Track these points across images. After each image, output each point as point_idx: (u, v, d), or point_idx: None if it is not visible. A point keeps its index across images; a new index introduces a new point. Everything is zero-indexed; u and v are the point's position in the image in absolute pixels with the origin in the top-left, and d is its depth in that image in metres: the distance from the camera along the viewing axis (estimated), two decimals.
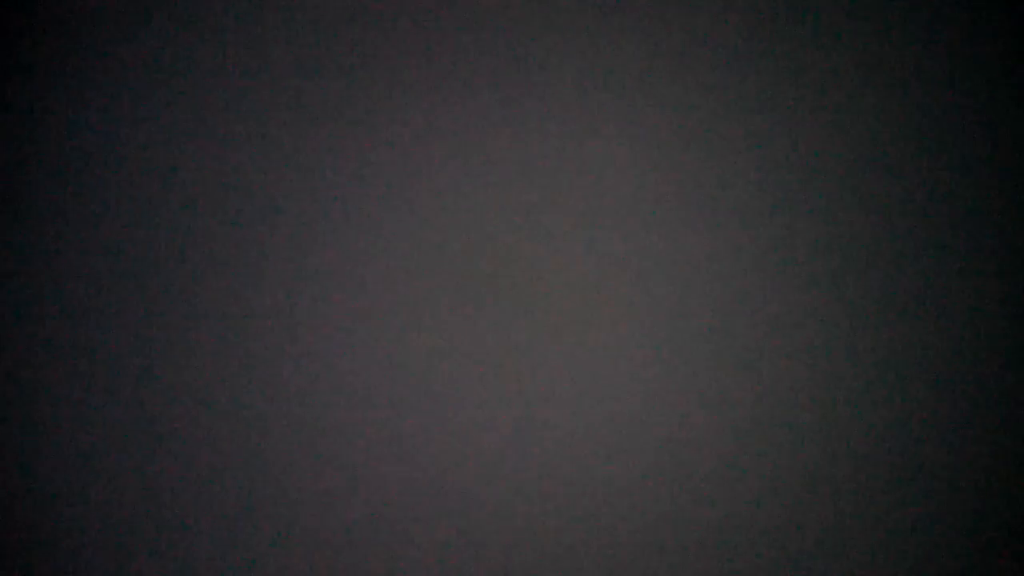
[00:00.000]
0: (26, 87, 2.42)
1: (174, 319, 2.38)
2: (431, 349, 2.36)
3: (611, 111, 2.38)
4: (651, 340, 2.35)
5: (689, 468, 2.34)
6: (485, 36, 2.39)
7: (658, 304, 2.36)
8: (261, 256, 2.38)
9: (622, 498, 2.34)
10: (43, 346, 2.38)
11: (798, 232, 2.36)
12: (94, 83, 2.42)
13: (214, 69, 2.41)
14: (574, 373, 2.35)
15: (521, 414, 2.35)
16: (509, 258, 2.37)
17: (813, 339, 2.34)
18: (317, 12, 2.41)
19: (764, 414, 2.34)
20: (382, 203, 2.38)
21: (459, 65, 2.39)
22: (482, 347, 2.36)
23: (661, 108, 2.38)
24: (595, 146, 2.38)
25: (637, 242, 2.37)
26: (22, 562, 2.36)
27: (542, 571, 2.34)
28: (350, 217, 2.38)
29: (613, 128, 2.38)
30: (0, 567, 2.36)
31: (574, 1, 2.39)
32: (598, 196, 2.37)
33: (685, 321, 2.35)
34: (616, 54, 2.39)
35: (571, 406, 2.35)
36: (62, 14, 2.42)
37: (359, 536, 2.35)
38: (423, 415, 2.36)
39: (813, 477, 2.33)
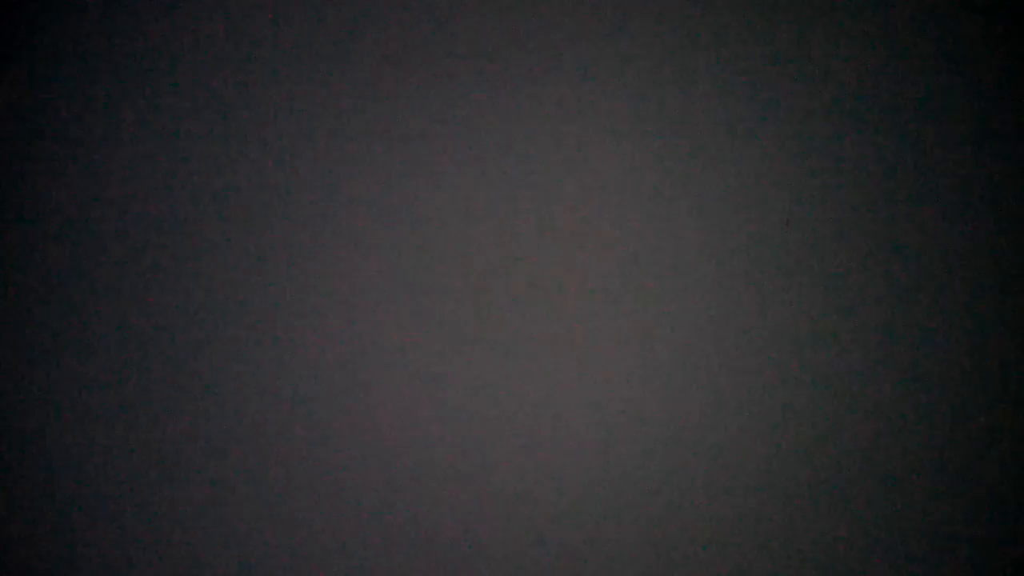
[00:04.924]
0: (26, 87, 2.42)
1: (175, 320, 2.38)
2: (432, 349, 2.36)
3: (612, 112, 2.38)
4: (652, 340, 2.35)
5: (690, 468, 2.34)
6: (485, 37, 2.40)
7: (659, 304, 2.36)
8: (261, 256, 2.38)
9: (624, 498, 2.34)
10: (43, 345, 2.38)
11: (799, 232, 2.36)
12: (94, 83, 2.42)
13: (215, 69, 2.41)
14: (575, 373, 2.35)
15: (521, 414, 2.35)
16: (509, 259, 2.37)
17: (814, 339, 2.35)
18: (317, 12, 2.41)
19: (765, 414, 2.34)
20: (383, 203, 2.38)
21: (460, 66, 2.40)
22: (482, 348, 2.36)
23: (661, 109, 2.38)
24: (596, 147, 2.38)
25: (638, 243, 2.37)
26: (22, 562, 2.36)
27: (544, 571, 2.34)
28: (350, 217, 2.38)
29: (614, 128, 2.38)
30: (0, 567, 2.36)
31: (575, 2, 2.40)
32: (599, 197, 2.37)
33: (687, 321, 2.35)
34: (616, 54, 2.39)
35: (571, 406, 2.35)
36: (62, 14, 2.43)
37: (359, 536, 2.35)
38: (424, 415, 2.36)
39: (813, 477, 2.33)
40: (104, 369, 2.38)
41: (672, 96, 2.38)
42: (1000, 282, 2.35)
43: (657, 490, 2.34)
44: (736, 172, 2.37)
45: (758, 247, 2.36)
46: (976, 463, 2.33)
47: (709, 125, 2.38)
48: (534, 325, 2.36)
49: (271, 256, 2.38)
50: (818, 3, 2.38)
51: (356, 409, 2.36)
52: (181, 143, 2.41)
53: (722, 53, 2.38)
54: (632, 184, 2.37)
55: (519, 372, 2.35)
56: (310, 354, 2.37)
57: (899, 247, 2.36)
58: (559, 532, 2.34)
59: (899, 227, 2.36)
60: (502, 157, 2.38)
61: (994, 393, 2.33)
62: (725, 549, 2.33)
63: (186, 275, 2.38)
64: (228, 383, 2.37)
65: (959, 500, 2.32)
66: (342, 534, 2.35)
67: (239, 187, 2.40)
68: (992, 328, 2.34)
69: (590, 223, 2.37)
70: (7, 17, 2.42)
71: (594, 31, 2.39)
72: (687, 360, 2.35)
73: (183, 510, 2.35)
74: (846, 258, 2.36)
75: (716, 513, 2.33)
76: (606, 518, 2.34)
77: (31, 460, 2.37)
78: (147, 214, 2.40)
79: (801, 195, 2.36)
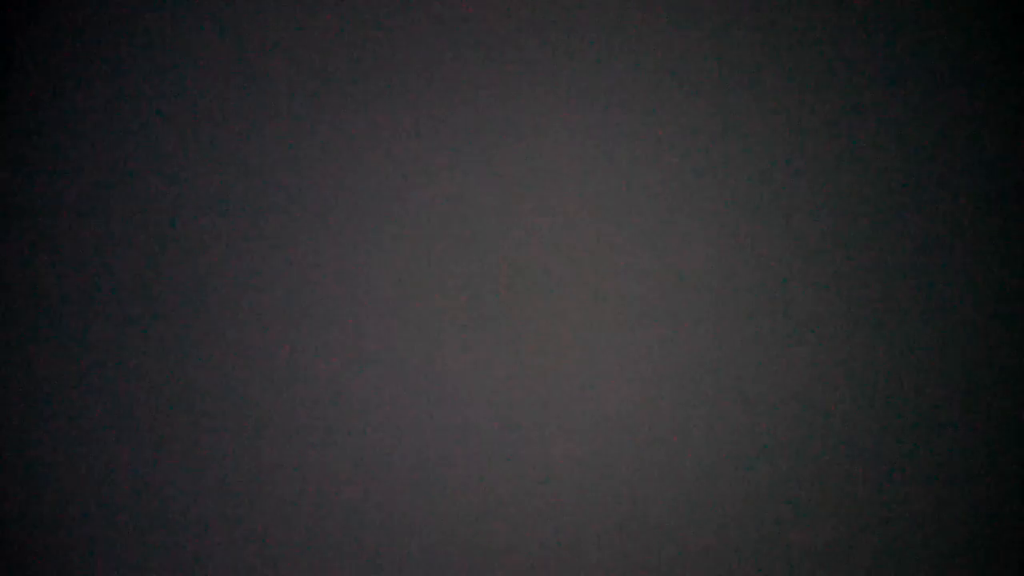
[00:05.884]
0: (26, 87, 2.42)
1: (177, 323, 2.38)
2: (433, 351, 2.36)
3: (615, 114, 2.38)
4: (654, 343, 2.35)
5: (691, 470, 2.34)
6: (488, 39, 2.39)
7: (661, 307, 2.36)
8: (263, 260, 2.38)
9: (624, 500, 2.34)
10: (43, 345, 2.38)
11: (801, 234, 2.36)
12: (95, 83, 2.42)
13: (216, 69, 2.41)
14: (577, 375, 2.35)
15: (523, 417, 2.35)
16: (511, 261, 2.37)
17: (816, 341, 2.34)
18: (318, 12, 2.41)
19: (767, 416, 2.34)
20: (385, 207, 2.38)
21: (463, 69, 2.39)
22: (484, 350, 2.36)
23: (663, 110, 2.38)
24: (598, 148, 2.38)
25: (640, 245, 2.37)
26: (22, 562, 2.36)
27: (545, 572, 2.34)
28: (353, 221, 2.38)
29: (616, 130, 2.38)
30: (0, 567, 2.36)
31: (576, 4, 2.39)
32: (601, 198, 2.37)
33: (689, 323, 2.35)
34: (618, 57, 2.39)
35: (574, 408, 2.35)
36: (62, 14, 2.43)
37: (361, 539, 2.35)
38: (425, 418, 2.36)
39: (814, 480, 2.33)
40: (103, 369, 2.38)
41: (675, 97, 2.38)
42: (1004, 283, 2.35)
43: (658, 492, 2.34)
44: (739, 173, 2.37)
45: (761, 248, 2.36)
46: (978, 464, 2.32)
47: (712, 126, 2.37)
48: (534, 326, 2.36)
49: (270, 257, 2.38)
50: (822, 3, 2.38)
51: (356, 410, 2.36)
52: (180, 143, 2.40)
53: (727, 54, 2.38)
54: (634, 185, 2.37)
55: (519, 373, 2.35)
56: (310, 355, 2.37)
57: (903, 249, 2.35)
58: (558, 533, 2.34)
59: (903, 228, 2.36)
60: (503, 158, 2.38)
61: (997, 394, 2.33)
62: (726, 553, 2.33)
63: (185, 275, 2.38)
64: (227, 383, 2.37)
65: (961, 501, 2.32)
66: (340, 535, 2.35)
67: (239, 188, 2.39)
68: (996, 330, 2.34)
69: (591, 224, 2.37)
70: (7, 17, 2.42)
71: (599, 34, 2.39)
72: (688, 362, 2.35)
73: (181, 510, 2.36)
74: (850, 260, 2.35)
75: (717, 515, 2.33)
76: (606, 520, 2.34)
77: (31, 460, 2.37)
78: (147, 214, 2.40)
79: (805, 197, 2.36)
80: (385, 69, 2.40)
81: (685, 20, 2.38)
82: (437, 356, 2.36)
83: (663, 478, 2.34)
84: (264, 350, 2.37)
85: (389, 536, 2.35)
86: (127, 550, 2.36)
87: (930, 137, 2.36)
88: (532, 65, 2.39)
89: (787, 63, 2.37)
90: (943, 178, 2.36)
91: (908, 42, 2.37)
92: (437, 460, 2.35)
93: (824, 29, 2.38)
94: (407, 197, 2.38)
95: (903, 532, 2.32)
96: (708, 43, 2.38)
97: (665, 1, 2.39)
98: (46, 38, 2.42)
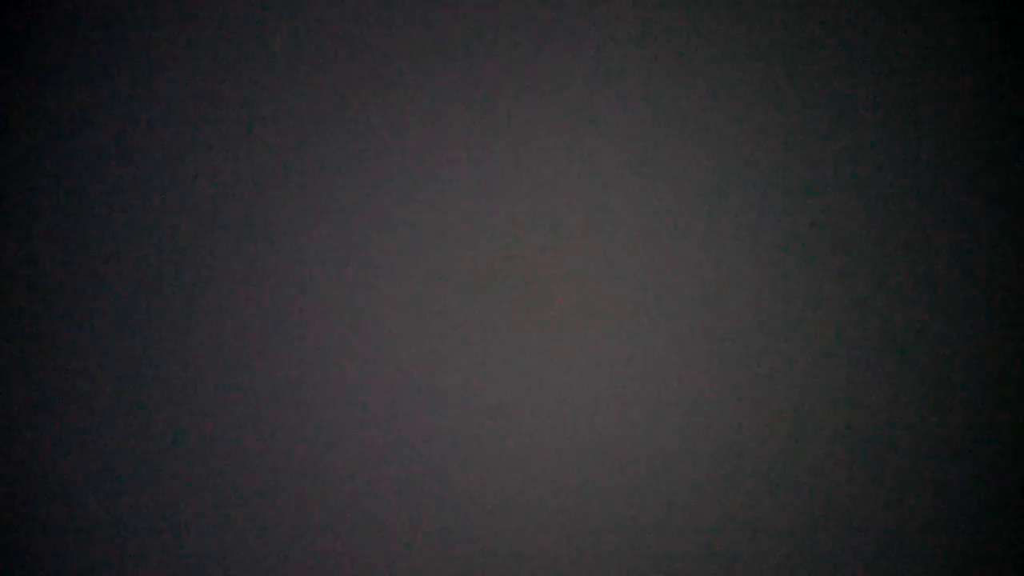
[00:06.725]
0: (26, 87, 2.43)
1: (176, 320, 2.38)
2: (431, 350, 2.36)
3: (613, 113, 2.38)
4: (650, 342, 2.35)
5: (688, 470, 2.34)
6: (487, 37, 2.39)
7: (658, 306, 2.36)
8: (261, 256, 2.38)
9: (621, 500, 2.34)
10: (43, 346, 2.39)
11: (798, 234, 2.36)
12: (95, 82, 2.42)
13: (216, 69, 2.41)
14: (574, 374, 2.35)
15: (520, 415, 2.35)
16: (510, 260, 2.37)
17: (813, 341, 2.34)
18: (319, 12, 2.41)
19: (763, 417, 2.34)
20: (384, 204, 2.38)
21: (462, 66, 2.40)
22: (482, 349, 2.36)
23: (662, 110, 2.38)
24: (596, 148, 2.38)
25: (637, 244, 2.37)
26: (22, 561, 2.37)
27: (541, 572, 2.34)
28: (352, 218, 2.38)
29: (615, 129, 2.38)
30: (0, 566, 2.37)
31: (575, 3, 2.39)
32: (599, 198, 2.37)
33: (685, 323, 2.35)
34: (617, 56, 2.39)
35: (571, 407, 2.35)
36: (62, 14, 2.43)
37: (357, 536, 2.35)
38: (423, 416, 2.36)
39: (812, 481, 2.33)
40: (103, 370, 2.38)
41: (678, 96, 2.38)
42: (1011, 285, 2.34)
43: (658, 494, 2.34)
44: (738, 174, 2.37)
45: (762, 251, 2.36)
46: (980, 466, 2.32)
47: (712, 128, 2.37)
48: (535, 327, 2.36)
49: (270, 256, 2.39)
50: (820, 5, 2.38)
51: (356, 411, 2.36)
52: (180, 142, 2.41)
53: (730, 53, 2.38)
54: (635, 187, 2.37)
55: (519, 374, 2.35)
56: (309, 355, 2.37)
57: (902, 250, 2.35)
58: (557, 534, 2.34)
59: (902, 230, 2.36)
60: (503, 160, 2.38)
61: (997, 396, 2.33)
62: (726, 553, 2.33)
63: (186, 275, 2.39)
64: (228, 384, 2.37)
65: (960, 501, 2.32)
66: (339, 534, 2.35)
67: (239, 187, 2.40)
68: (997, 332, 2.34)
69: (590, 226, 2.37)
70: (7, 17, 2.43)
71: (599, 33, 2.39)
72: (688, 362, 2.35)
73: (179, 511, 2.36)
74: (850, 262, 2.35)
75: (718, 517, 2.33)
76: (605, 520, 2.34)
77: (30, 461, 2.38)
78: (148, 213, 2.40)
79: (805, 198, 2.36)
80: (386, 68, 2.40)
81: (684, 21, 2.38)
82: (436, 356, 2.36)
83: (663, 478, 2.34)
84: (264, 350, 2.37)
85: (387, 535, 2.35)
86: (127, 550, 2.36)
87: (929, 137, 2.36)
88: (533, 66, 2.39)
89: (784, 64, 2.37)
90: (943, 179, 2.36)
91: (907, 41, 2.37)
92: (435, 459, 2.35)
93: (822, 29, 2.37)
94: (406, 197, 2.38)
95: (903, 533, 2.32)
96: (706, 43, 2.38)
97: (664, 2, 2.39)
98: (46, 38, 2.43)
